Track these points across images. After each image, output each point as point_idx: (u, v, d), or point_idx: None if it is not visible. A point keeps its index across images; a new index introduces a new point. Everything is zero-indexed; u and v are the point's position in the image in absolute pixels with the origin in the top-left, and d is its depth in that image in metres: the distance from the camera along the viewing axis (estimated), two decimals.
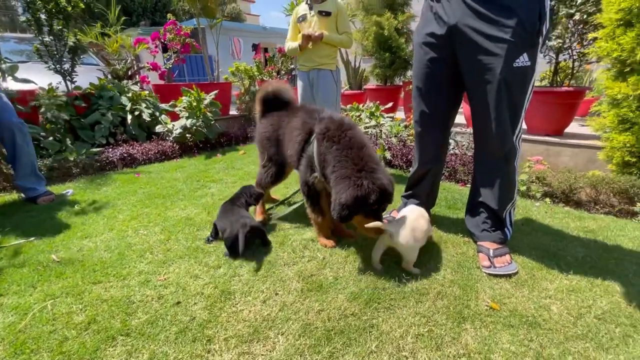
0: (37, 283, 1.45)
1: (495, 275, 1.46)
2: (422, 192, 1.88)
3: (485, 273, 1.48)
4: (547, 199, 2.33)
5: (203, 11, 4.87)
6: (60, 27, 3.43)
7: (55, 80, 3.57)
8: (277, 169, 2.01)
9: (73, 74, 3.70)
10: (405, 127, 3.50)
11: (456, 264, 1.56)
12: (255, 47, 14.37)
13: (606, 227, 1.91)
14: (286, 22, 6.40)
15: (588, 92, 2.97)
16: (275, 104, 2.00)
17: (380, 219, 1.46)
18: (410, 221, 1.50)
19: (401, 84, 4.57)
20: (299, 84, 2.83)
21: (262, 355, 1.07)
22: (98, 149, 3.31)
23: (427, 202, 1.92)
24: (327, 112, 1.68)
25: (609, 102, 2.27)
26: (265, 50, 13.95)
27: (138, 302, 1.32)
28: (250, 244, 1.69)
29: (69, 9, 3.39)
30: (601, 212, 2.15)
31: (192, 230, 1.94)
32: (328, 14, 2.55)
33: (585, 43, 2.88)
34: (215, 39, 5.14)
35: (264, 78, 5.94)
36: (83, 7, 3.53)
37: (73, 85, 3.74)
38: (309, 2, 2.64)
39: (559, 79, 3.21)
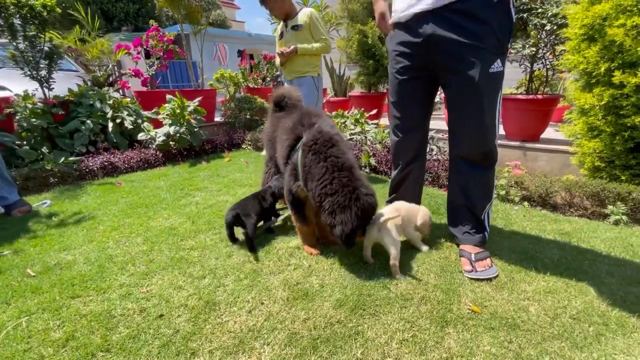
0: (10, 299, 1.39)
1: (477, 279, 1.50)
2: (407, 193, 1.92)
3: (468, 277, 1.52)
4: (525, 203, 2.42)
5: (187, 17, 4.84)
6: (34, 32, 3.34)
7: (32, 87, 3.47)
8: (277, 170, 2.07)
9: (50, 80, 3.60)
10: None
11: (439, 268, 1.60)
12: (240, 54, 14.34)
13: (580, 229, 2.00)
14: (271, 29, 6.45)
15: (562, 99, 3.10)
16: (284, 106, 2.04)
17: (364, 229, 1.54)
18: (392, 213, 1.59)
19: (385, 91, 4.66)
20: None
21: None
22: (77, 158, 3.21)
23: (413, 202, 1.96)
24: (319, 120, 1.68)
25: (578, 110, 2.38)
26: (251, 56, 13.95)
27: (119, 316, 1.29)
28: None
29: (45, 13, 3.31)
30: (575, 215, 2.24)
31: (175, 240, 1.91)
32: (299, 27, 2.71)
33: (557, 53, 3.02)
34: (199, 45, 5.11)
35: (249, 85, 5.93)
36: (59, 11, 3.45)
37: (51, 93, 3.64)
38: (284, 19, 2.84)
39: (534, 86, 3.35)
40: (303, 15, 2.72)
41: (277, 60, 2.92)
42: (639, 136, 2.08)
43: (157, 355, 1.10)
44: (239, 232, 1.88)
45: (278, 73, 6.57)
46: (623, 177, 2.21)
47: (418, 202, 2.00)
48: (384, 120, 4.53)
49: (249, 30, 19.88)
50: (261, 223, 2.00)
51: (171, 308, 1.33)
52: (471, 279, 1.51)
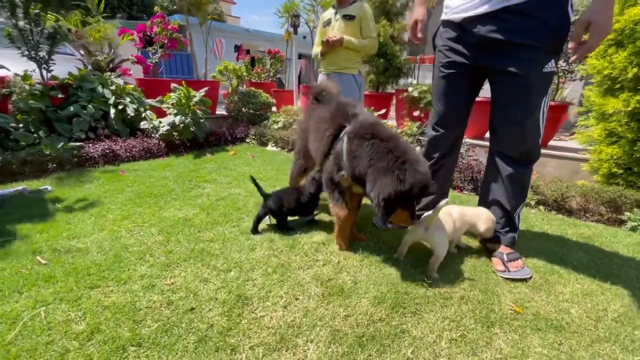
0: (22, 288, 1.28)
1: (512, 280, 1.47)
2: (434, 187, 1.87)
3: (502, 277, 1.49)
4: (541, 207, 2.43)
5: (193, 7, 4.71)
6: (37, 10, 3.17)
7: (29, 68, 3.29)
8: (305, 162, 2.06)
9: (50, 62, 3.42)
10: (399, 134, 3.53)
11: (471, 267, 1.57)
12: (237, 49, 14.15)
13: (600, 234, 2.01)
14: (268, 25, 6.35)
15: (576, 107, 3.14)
16: (321, 99, 1.94)
17: (414, 209, 1.41)
18: (443, 217, 1.53)
19: (394, 91, 4.64)
20: None
21: None
22: (77, 144, 3.06)
23: (443, 194, 1.93)
24: (360, 110, 1.62)
25: (596, 116, 2.41)
26: (247, 52, 13.78)
27: (145, 308, 1.20)
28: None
29: None
30: (591, 220, 2.26)
31: (192, 231, 1.82)
32: (352, 17, 2.52)
33: (570, 61, 3.06)
34: (204, 37, 4.98)
35: (252, 79, 5.83)
36: None
37: (49, 75, 3.46)
38: (334, 5, 2.64)
39: None
40: (358, 7, 2.55)
41: (315, 49, 2.74)
42: None
43: (194, 351, 1.02)
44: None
45: (281, 69, 6.48)
46: (639, 184, 2.24)
47: (446, 197, 1.97)
48: (392, 122, 4.51)
49: (245, 26, 19.66)
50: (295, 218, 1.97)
51: (200, 302, 1.25)
52: (505, 278, 1.48)
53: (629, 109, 2.09)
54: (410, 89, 3.77)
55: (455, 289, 1.39)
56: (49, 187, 2.38)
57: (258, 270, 1.47)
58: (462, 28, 1.52)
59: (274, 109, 5.25)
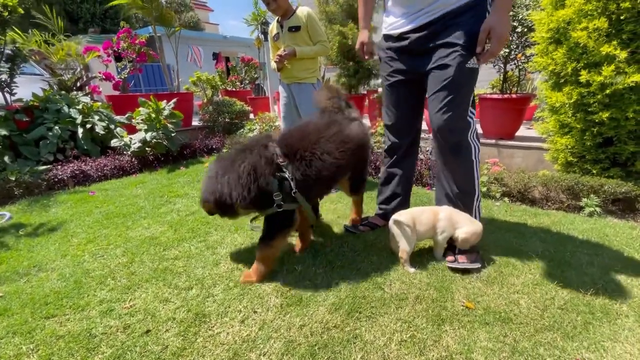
0: None
1: (460, 270, 1.54)
2: (400, 187, 1.98)
3: (449, 267, 1.56)
4: (506, 199, 2.50)
5: (159, 19, 4.68)
6: None
7: None
8: None
9: (12, 84, 3.36)
10: (372, 134, 3.58)
11: (430, 266, 1.61)
12: (216, 56, 14.07)
13: (558, 222, 2.08)
14: (246, 31, 6.35)
15: (534, 98, 3.24)
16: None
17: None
18: (414, 212, 1.63)
19: (365, 92, 4.70)
20: (281, 95, 2.82)
21: None
22: (45, 167, 3.01)
23: (407, 197, 2.02)
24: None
25: (549, 109, 2.50)
26: (227, 59, 13.72)
27: (100, 334, 1.20)
28: None
29: (5, 14, 3.09)
30: (553, 208, 2.34)
31: (158, 250, 1.82)
32: (297, 28, 2.53)
33: (527, 55, 3.16)
34: (174, 48, 4.95)
35: (227, 88, 5.82)
36: (22, 12, 3.23)
37: (13, 98, 3.40)
38: (279, 19, 2.64)
39: (507, 86, 3.49)
40: (300, 15, 2.53)
41: (272, 64, 2.74)
42: (607, 132, 2.20)
43: None
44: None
45: (257, 76, 6.49)
46: (594, 171, 2.32)
47: (408, 198, 2.02)
48: (365, 122, 4.56)
49: (224, 33, 19.56)
50: None
51: (158, 323, 1.26)
52: (453, 269, 1.56)
53: (572, 101, 2.18)
54: (379, 89, 3.83)
55: (412, 289, 1.43)
56: (8, 214, 2.33)
57: (220, 286, 1.48)
58: (399, 38, 1.66)
59: (251, 116, 5.25)
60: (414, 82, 1.71)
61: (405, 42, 1.64)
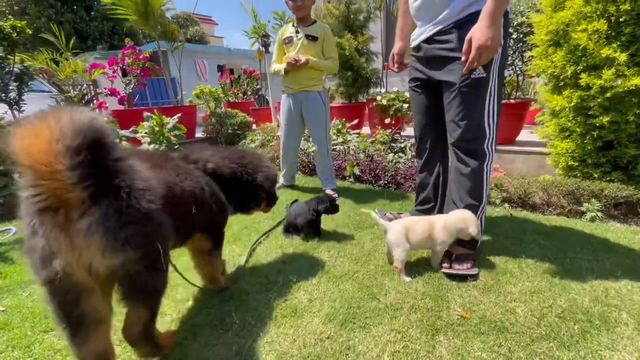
0: None
1: (456, 277, 1.53)
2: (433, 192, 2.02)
3: (444, 273, 1.56)
4: (506, 204, 2.48)
5: (162, 35, 4.81)
6: (3, 54, 3.23)
7: (0, 110, 3.33)
8: None
9: (20, 102, 3.47)
10: (372, 142, 3.60)
11: (427, 275, 1.60)
12: (220, 69, 14.35)
13: (559, 228, 2.06)
14: (248, 43, 6.47)
15: (533, 103, 3.23)
16: None
17: None
18: (407, 221, 1.63)
19: (365, 100, 4.74)
20: (283, 106, 2.85)
21: None
22: None
23: (442, 201, 2.00)
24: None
25: (549, 113, 2.49)
26: (231, 71, 13.97)
27: None
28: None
29: (14, 35, 3.21)
30: (554, 213, 2.31)
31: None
32: (315, 38, 2.60)
33: (525, 60, 3.16)
34: (177, 61, 5.07)
35: (230, 99, 5.92)
36: (30, 32, 3.36)
37: (21, 115, 3.50)
38: (295, 24, 2.69)
39: (506, 91, 3.49)
40: (320, 28, 2.64)
41: (277, 66, 2.74)
42: (607, 135, 2.18)
43: None
44: None
45: (259, 87, 6.59)
46: (595, 175, 2.30)
47: (440, 204, 2.01)
48: (366, 129, 4.58)
49: (228, 45, 19.95)
50: None
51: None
52: (447, 275, 1.55)
53: (572, 104, 2.17)
54: (378, 97, 3.86)
55: (407, 299, 1.42)
56: (14, 229, 2.38)
57: (216, 298, 1.49)
58: (416, 49, 1.80)
59: (254, 126, 5.32)
60: (433, 89, 1.78)
61: (421, 53, 1.75)
